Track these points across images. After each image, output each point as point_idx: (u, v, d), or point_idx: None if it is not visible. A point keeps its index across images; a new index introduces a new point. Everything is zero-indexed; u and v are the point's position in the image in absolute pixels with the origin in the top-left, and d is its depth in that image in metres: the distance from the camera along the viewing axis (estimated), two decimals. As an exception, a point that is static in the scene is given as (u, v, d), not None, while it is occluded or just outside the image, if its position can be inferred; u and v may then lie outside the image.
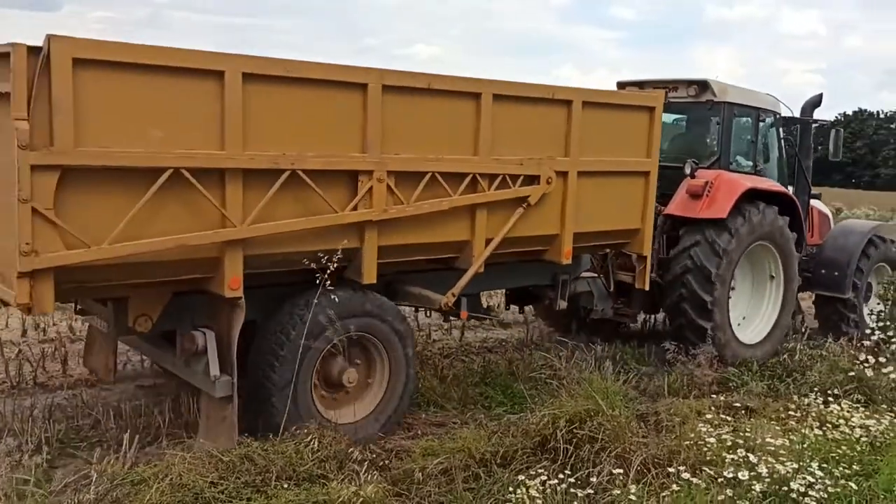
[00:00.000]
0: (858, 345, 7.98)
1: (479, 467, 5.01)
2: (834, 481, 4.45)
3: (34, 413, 6.02)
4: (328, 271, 5.10)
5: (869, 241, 9.76)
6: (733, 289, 8.24)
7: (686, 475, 4.48)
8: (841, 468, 4.71)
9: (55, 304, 4.38)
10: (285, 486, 4.46)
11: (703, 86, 8.41)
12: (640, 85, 8.42)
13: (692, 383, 7.40)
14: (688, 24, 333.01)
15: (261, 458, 4.63)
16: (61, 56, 4.02)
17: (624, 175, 7.00)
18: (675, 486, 4.39)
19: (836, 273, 9.44)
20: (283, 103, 4.87)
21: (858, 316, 9.60)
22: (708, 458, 4.90)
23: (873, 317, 9.36)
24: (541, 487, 4.48)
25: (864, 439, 5.38)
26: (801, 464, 4.60)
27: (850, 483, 4.47)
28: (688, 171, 8.03)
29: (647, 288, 7.63)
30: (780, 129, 9.24)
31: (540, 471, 4.74)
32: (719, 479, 4.43)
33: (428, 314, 7.76)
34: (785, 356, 8.11)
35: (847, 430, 5.51)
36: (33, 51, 3.99)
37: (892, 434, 5.53)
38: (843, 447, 5.09)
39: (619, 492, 4.44)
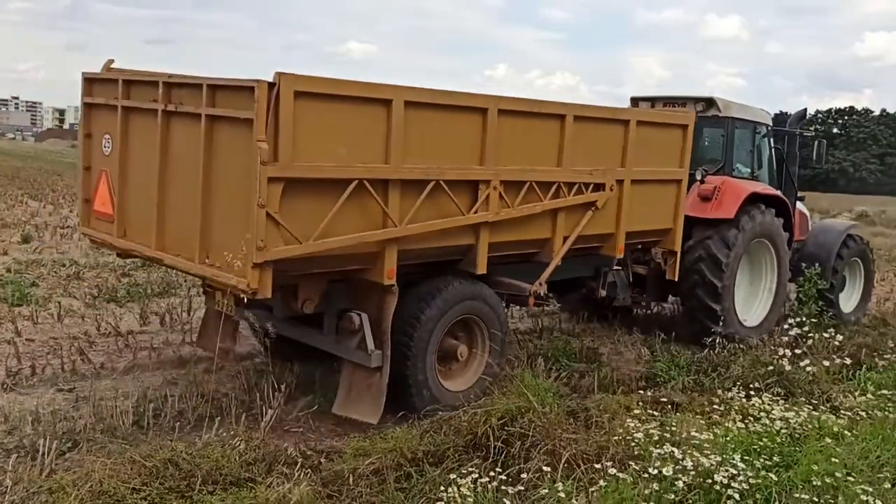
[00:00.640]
0: (778, 339, 8.24)
1: (411, 466, 4.99)
2: (755, 473, 4.57)
3: (-55, 420, 5.76)
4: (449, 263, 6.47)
5: (845, 239, 11.08)
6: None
7: (613, 470, 4.54)
8: (762, 460, 4.84)
9: None
10: (211, 490, 4.36)
11: (709, 102, 9.54)
12: (652, 101, 9.87)
13: (621, 379, 7.54)
14: (619, 26, 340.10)
15: (186, 462, 4.52)
16: (287, 89, 4.96)
17: (662, 183, 8.21)
18: (602, 482, 4.45)
19: (818, 267, 10.28)
20: (428, 125, 5.89)
21: (835, 304, 10.78)
22: (635, 453, 4.98)
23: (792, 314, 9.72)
24: (472, 485, 4.48)
25: (783, 431, 5.54)
26: (724, 456, 4.72)
27: (770, 474, 4.59)
28: (699, 177, 9.12)
29: (676, 278, 8.82)
30: (771, 140, 10.45)
31: (471, 469, 4.75)
32: (645, 474, 4.50)
33: None
34: (707, 350, 8.35)
35: (768, 423, 5.67)
36: (271, 86, 4.93)
37: (810, 426, 5.72)
38: (765, 439, 5.23)
39: (546, 490, 4.47)
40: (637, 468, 4.62)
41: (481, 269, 6.57)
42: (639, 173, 7.71)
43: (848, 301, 11.35)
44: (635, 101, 10.06)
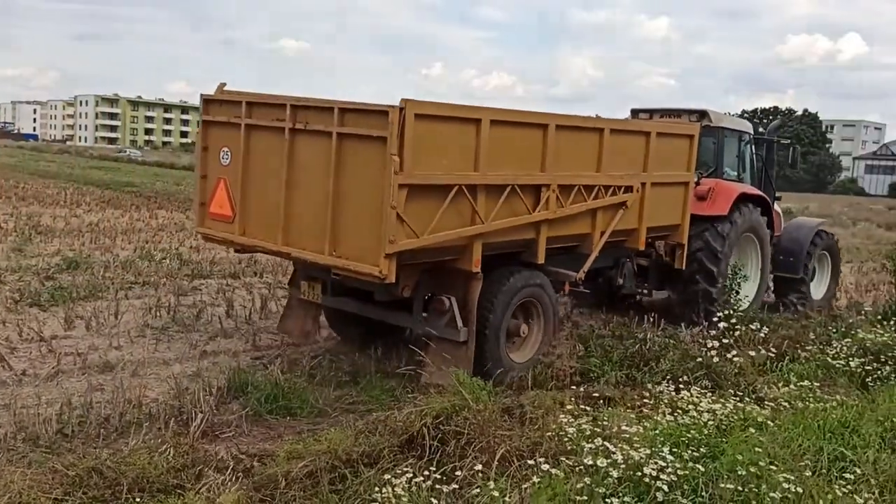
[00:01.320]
0: (706, 332, 8.46)
1: (346, 468, 4.94)
2: (683, 464, 4.66)
3: None
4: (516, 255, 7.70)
5: (815, 234, 12.45)
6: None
7: (546, 466, 4.58)
8: (690, 451, 4.92)
9: None
10: (137, 499, 4.25)
11: (702, 114, 10.89)
12: (651, 113, 11.21)
13: (556, 375, 7.62)
14: (553, 26, 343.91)
15: (110, 470, 4.39)
16: (411, 112, 6.16)
17: (674, 185, 9.45)
18: (535, 478, 4.48)
19: (792, 259, 12.02)
20: (505, 139, 7.05)
21: (806, 291, 12.25)
22: (568, 448, 5.03)
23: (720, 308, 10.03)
24: (406, 485, 4.47)
25: (710, 423, 5.66)
26: (653, 449, 4.79)
27: (697, 465, 4.69)
28: (695, 179, 10.10)
29: (684, 267, 10.01)
30: (753, 146, 11.89)
31: (406, 468, 4.73)
32: (577, 468, 4.56)
33: None
34: (639, 345, 8.51)
35: (696, 415, 5.79)
36: (400, 109, 6.12)
37: (735, 417, 5.87)
38: (692, 431, 5.33)
39: (477, 490, 4.48)
40: (570, 463, 4.66)
41: (541, 259, 7.77)
42: (657, 177, 8.96)
43: (818, 289, 12.71)
44: (635, 113, 11.43)
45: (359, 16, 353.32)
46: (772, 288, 12.36)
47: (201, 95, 7.90)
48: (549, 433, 5.31)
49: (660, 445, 4.90)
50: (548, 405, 6.18)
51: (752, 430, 5.46)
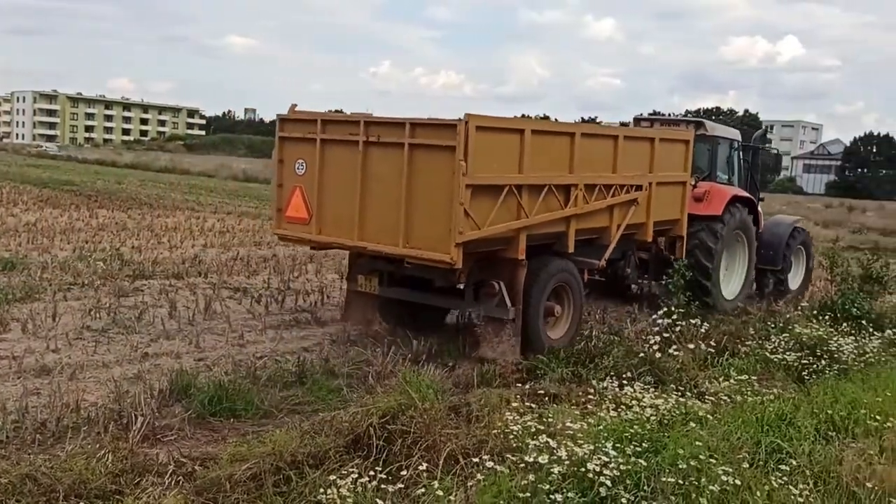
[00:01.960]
0: (649, 329, 8.61)
1: (291, 470, 4.89)
2: (626, 459, 4.72)
3: None
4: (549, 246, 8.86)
5: (792, 230, 13.76)
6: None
7: (491, 463, 4.60)
8: (633, 446, 5.00)
9: None
10: (74, 505, 4.13)
11: (698, 123, 12.24)
12: (652, 122, 12.75)
13: (503, 373, 7.67)
14: (502, 26, 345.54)
15: (46, 476, 4.27)
16: (472, 125, 7.38)
17: (673, 184, 10.68)
18: (480, 476, 4.50)
19: (772, 252, 13.27)
20: (542, 146, 8.22)
21: (784, 282, 13.58)
22: (513, 445, 5.07)
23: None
24: (352, 486, 4.44)
25: (653, 418, 5.77)
26: (597, 445, 4.85)
27: (640, 460, 4.76)
28: (692, 182, 11.22)
29: (683, 257, 10.96)
30: (740, 153, 13.19)
31: (352, 469, 4.70)
32: (522, 465, 4.59)
33: None
34: (584, 342, 8.63)
35: (639, 411, 5.89)
36: (465, 123, 7.33)
37: (677, 412, 5.99)
38: (636, 426, 5.41)
39: (423, 490, 4.48)
40: (514, 460, 4.70)
41: (571, 248, 8.96)
42: (661, 177, 10.18)
43: (794, 280, 14.02)
44: (638, 121, 12.85)
45: (306, 13, 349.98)
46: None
47: (277, 115, 9.04)
48: (495, 431, 5.34)
49: (603, 441, 4.97)
50: (494, 403, 6.22)
51: (693, 424, 5.59)
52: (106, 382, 6.79)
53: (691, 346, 7.86)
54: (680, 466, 4.66)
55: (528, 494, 4.30)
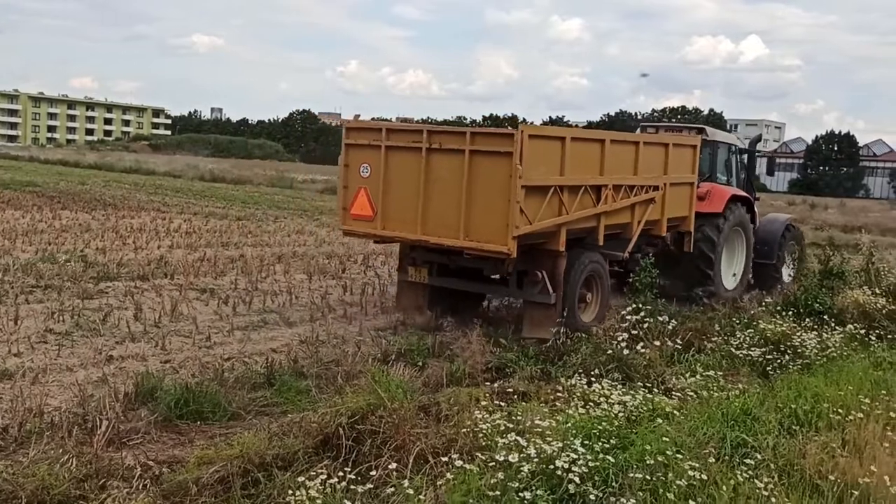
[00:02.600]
0: (617, 326, 8.67)
1: (259, 472, 4.86)
2: (594, 456, 4.76)
3: None
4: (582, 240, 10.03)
5: (786, 227, 15.01)
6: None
7: (460, 462, 4.61)
8: (601, 443, 5.04)
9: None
10: (37, 511, 4.05)
11: (700, 129, 13.40)
12: (657, 128, 14.11)
13: (472, 372, 7.67)
14: (470, 25, 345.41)
15: (7, 483, 4.19)
16: (525, 134, 8.59)
17: (682, 185, 11.79)
18: (449, 475, 4.50)
19: (767, 247, 14.36)
20: (579, 151, 9.37)
21: (779, 274, 14.65)
22: (482, 443, 5.07)
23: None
24: (321, 487, 4.42)
25: (621, 414, 5.81)
26: (565, 442, 4.88)
27: (608, 456, 4.80)
28: (696, 183, 12.28)
29: (691, 250, 12.28)
30: (737, 156, 14.46)
31: (321, 470, 4.67)
32: (491, 464, 4.60)
33: None
34: (553, 340, 8.67)
35: (607, 407, 5.93)
36: (521, 132, 8.53)
37: (644, 408, 6.05)
38: (604, 423, 5.44)
39: (392, 490, 4.48)
40: (484, 458, 4.70)
41: (601, 242, 10.12)
42: (673, 178, 11.31)
43: (786, 273, 15.00)
44: (644, 128, 14.05)
45: (274, 12, 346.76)
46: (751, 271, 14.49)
47: (344, 125, 10.28)
48: (465, 430, 5.34)
49: (572, 438, 4.99)
50: (463, 402, 6.23)
51: (660, 420, 5.65)
52: (70, 386, 6.68)
53: (658, 343, 7.94)
54: (647, 462, 4.70)
55: (498, 493, 4.31)
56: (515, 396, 6.70)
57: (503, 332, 9.47)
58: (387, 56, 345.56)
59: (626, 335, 7.85)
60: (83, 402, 6.12)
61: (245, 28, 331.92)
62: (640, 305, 8.82)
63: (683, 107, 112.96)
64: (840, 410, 6.22)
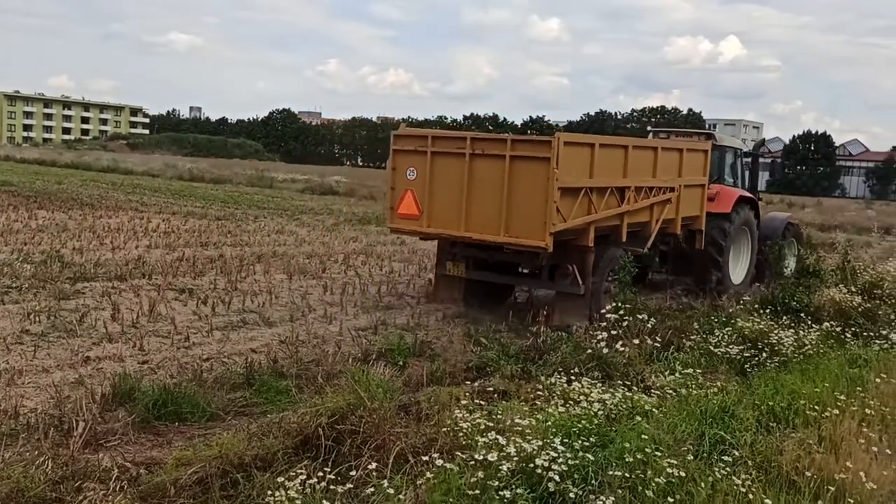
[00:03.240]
0: (597, 324, 8.70)
1: (238, 472, 4.83)
2: (574, 454, 4.78)
3: None
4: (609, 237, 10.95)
5: (786, 225, 16.09)
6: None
7: (440, 461, 4.60)
8: (581, 441, 5.06)
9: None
10: (11, 515, 4.00)
11: (708, 135, 14.71)
12: (668, 133, 15.41)
13: (453, 371, 7.67)
14: (449, 25, 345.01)
15: (-19, 486, 4.13)
16: (561, 140, 9.44)
17: (694, 186, 12.66)
18: (429, 474, 4.50)
19: (768, 244, 14.74)
20: (606, 156, 10.33)
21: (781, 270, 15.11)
22: (463, 442, 5.07)
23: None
24: (300, 487, 4.40)
25: (600, 413, 5.83)
26: (545, 440, 4.89)
27: (587, 454, 4.82)
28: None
29: (702, 248, 13.24)
30: (743, 159, 15.61)
31: (300, 470, 4.65)
32: (471, 463, 4.60)
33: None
34: (533, 339, 8.69)
35: (587, 406, 5.95)
36: (557, 139, 9.42)
37: (624, 406, 6.07)
38: (583, 421, 5.46)
39: (372, 490, 4.47)
40: (464, 457, 4.70)
41: (624, 238, 11.02)
42: (686, 180, 12.22)
43: (787, 268, 15.34)
44: (655, 134, 15.57)
45: (253, 10, 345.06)
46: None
47: (391, 132, 11.21)
48: (445, 429, 5.33)
49: (552, 437, 5.01)
50: (443, 401, 6.22)
51: (640, 417, 5.67)
52: (46, 388, 6.60)
53: (637, 341, 7.98)
54: (627, 460, 4.73)
55: (478, 491, 4.31)
56: (496, 395, 6.71)
57: (527, 322, 10.21)
58: (367, 55, 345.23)
59: (605, 334, 7.87)
60: (59, 403, 6.05)
61: (223, 27, 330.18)
62: (620, 304, 8.85)
63: (663, 106, 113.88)
64: (816, 407, 6.29)
